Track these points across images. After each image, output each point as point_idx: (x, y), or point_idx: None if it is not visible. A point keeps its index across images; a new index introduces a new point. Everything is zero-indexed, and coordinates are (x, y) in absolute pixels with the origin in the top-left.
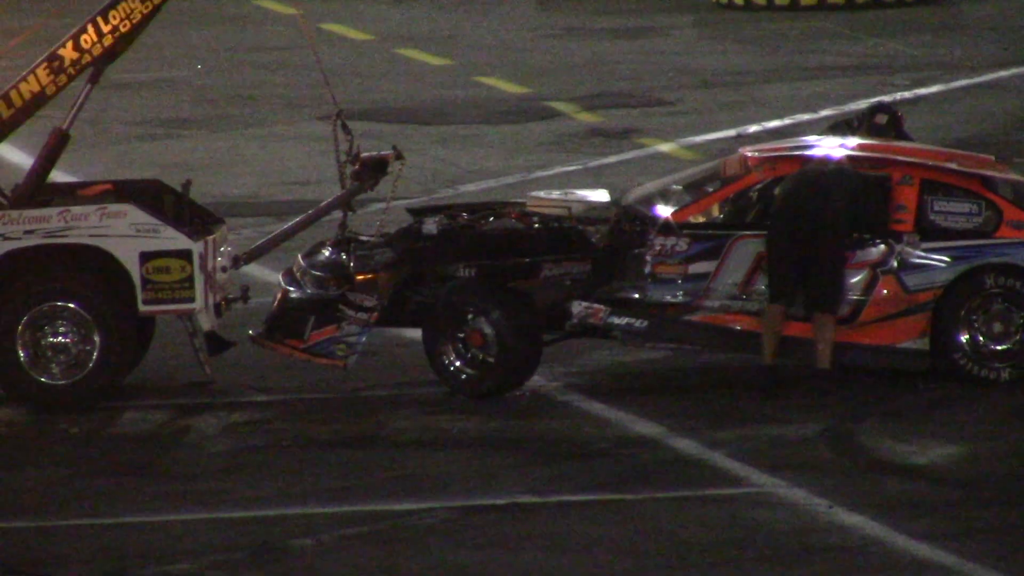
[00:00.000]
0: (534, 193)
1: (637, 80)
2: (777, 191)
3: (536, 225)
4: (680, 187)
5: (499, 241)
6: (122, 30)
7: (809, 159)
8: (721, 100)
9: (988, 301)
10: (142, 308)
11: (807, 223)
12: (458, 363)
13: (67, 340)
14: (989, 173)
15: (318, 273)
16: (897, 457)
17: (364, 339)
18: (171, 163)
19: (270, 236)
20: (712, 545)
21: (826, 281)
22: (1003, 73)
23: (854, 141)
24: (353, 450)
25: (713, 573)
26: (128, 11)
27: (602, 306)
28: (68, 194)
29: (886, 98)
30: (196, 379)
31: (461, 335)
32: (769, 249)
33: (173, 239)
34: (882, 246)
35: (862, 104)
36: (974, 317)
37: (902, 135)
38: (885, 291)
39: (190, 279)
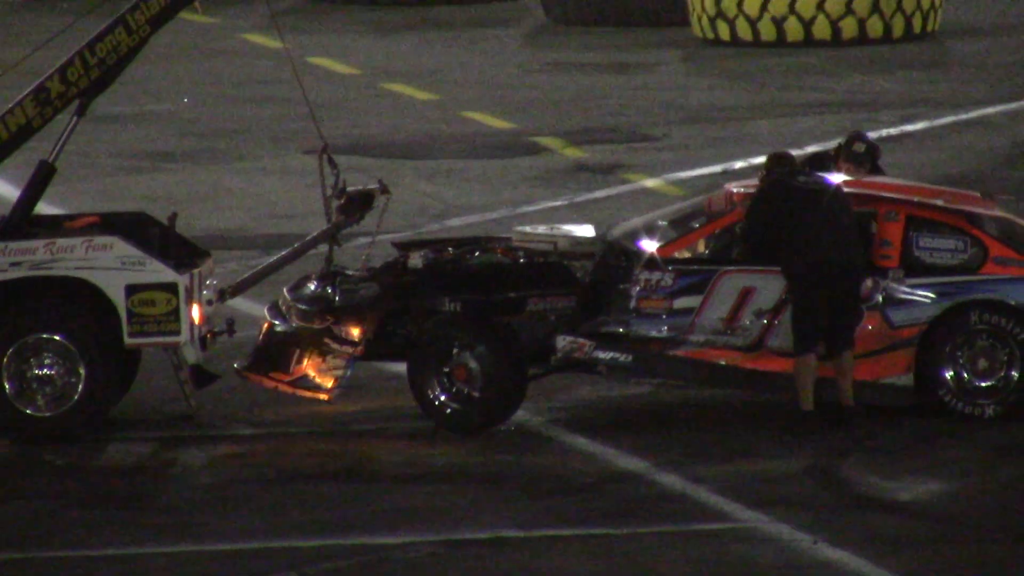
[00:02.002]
0: (520, 228)
1: (623, 115)
2: (792, 233)
3: (521, 260)
4: (666, 222)
5: (484, 275)
6: (109, 63)
7: (809, 194)
8: (707, 136)
9: (973, 337)
10: (128, 341)
11: (836, 272)
12: (443, 397)
13: (52, 372)
14: (975, 209)
15: (304, 307)
16: (881, 493)
17: (349, 373)
18: (157, 196)
19: (256, 269)
20: None
21: (851, 322)
22: (989, 110)
23: (838, 177)
24: (338, 484)
25: None
26: (115, 44)
27: (587, 341)
28: (54, 226)
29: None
30: (181, 412)
31: (446, 369)
32: (798, 302)
33: (159, 272)
34: (868, 282)
35: None
36: (959, 353)
37: (876, 168)
38: (870, 327)
39: (175, 312)
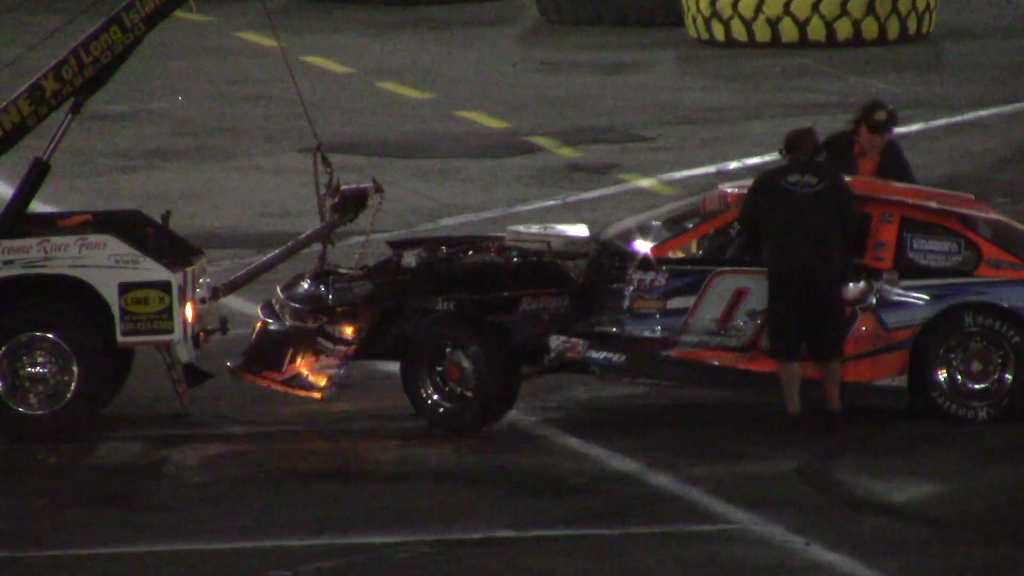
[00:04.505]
0: (513, 227)
1: (618, 115)
2: (764, 237)
3: (515, 259)
4: (659, 223)
5: (478, 275)
6: (103, 61)
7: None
8: (701, 136)
9: (966, 340)
10: (121, 339)
11: (805, 278)
12: (436, 397)
13: (45, 370)
14: (969, 212)
15: (297, 305)
16: (875, 495)
17: (342, 372)
18: (151, 194)
19: (249, 268)
20: None
21: (832, 330)
22: (984, 112)
23: (843, 178)
24: (330, 483)
25: None
26: (110, 42)
27: (580, 340)
28: (48, 224)
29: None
30: (173, 410)
31: (439, 368)
32: (769, 303)
33: (152, 270)
34: (862, 283)
35: None
36: (952, 355)
37: (893, 146)
38: (864, 328)
39: (169, 310)
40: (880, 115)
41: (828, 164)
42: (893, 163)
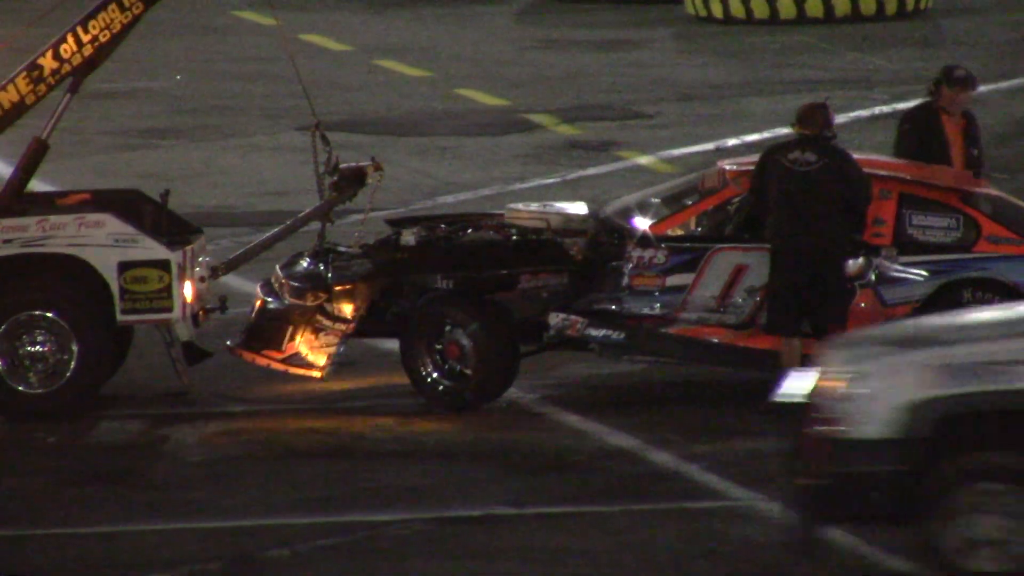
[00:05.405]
0: (512, 205)
1: (616, 93)
2: (769, 217)
3: (514, 237)
4: (658, 200)
5: (477, 253)
6: (102, 40)
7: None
8: (700, 113)
9: None
10: (120, 318)
11: (802, 255)
12: (435, 374)
13: (45, 349)
14: (968, 187)
15: (296, 284)
16: None
17: (341, 350)
18: (150, 173)
19: (248, 246)
20: (689, 558)
21: (835, 308)
22: (982, 88)
23: (847, 155)
24: (329, 461)
25: None
26: (108, 21)
27: (579, 318)
28: (47, 203)
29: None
30: (173, 389)
31: (438, 347)
32: (770, 281)
33: (151, 249)
34: (860, 260)
35: (841, 118)
36: None
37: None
38: (863, 304)
39: (168, 289)
40: (960, 72)
41: (835, 141)
42: (972, 129)
